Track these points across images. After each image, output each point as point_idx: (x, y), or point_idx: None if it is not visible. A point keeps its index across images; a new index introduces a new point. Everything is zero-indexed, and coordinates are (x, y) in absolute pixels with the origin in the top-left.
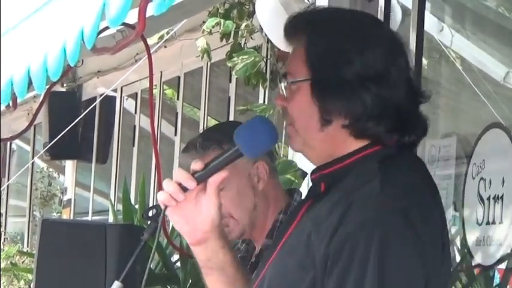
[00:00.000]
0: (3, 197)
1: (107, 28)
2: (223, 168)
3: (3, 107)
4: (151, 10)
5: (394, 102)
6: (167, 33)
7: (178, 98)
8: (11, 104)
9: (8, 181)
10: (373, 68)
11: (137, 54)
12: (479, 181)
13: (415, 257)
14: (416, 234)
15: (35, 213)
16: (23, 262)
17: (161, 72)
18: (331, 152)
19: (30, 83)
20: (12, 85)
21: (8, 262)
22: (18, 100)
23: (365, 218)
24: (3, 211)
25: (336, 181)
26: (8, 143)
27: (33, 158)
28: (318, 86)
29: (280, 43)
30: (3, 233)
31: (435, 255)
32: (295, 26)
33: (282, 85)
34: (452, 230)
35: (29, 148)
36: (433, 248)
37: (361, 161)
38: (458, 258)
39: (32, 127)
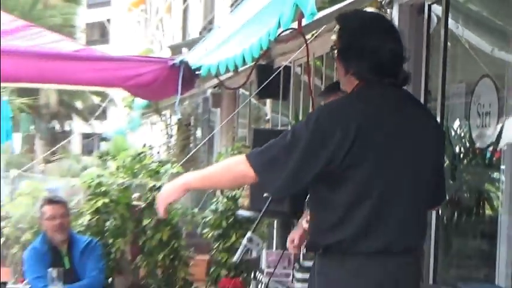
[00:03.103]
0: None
1: (284, 30)
2: None
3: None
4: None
5: (376, 62)
6: (316, 31)
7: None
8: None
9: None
10: (368, 45)
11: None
12: (477, 105)
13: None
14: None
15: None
16: None
17: (313, 53)
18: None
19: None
20: (235, 61)
21: None
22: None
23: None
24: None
25: None
26: (238, 90)
27: (250, 97)
28: (343, 54)
29: None
30: None
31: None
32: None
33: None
34: (465, 130)
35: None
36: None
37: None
38: (467, 145)
39: (248, 83)
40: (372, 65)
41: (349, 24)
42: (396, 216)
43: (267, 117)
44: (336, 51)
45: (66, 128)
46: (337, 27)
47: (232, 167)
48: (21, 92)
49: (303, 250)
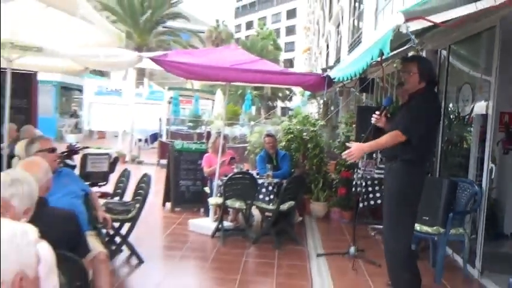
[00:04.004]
0: None
1: (373, 61)
2: None
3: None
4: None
5: (434, 79)
6: (387, 62)
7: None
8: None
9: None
10: (429, 73)
11: (380, 67)
12: (462, 96)
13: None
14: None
15: None
16: None
17: (385, 72)
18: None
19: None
20: (350, 75)
21: None
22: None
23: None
24: None
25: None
26: (350, 89)
27: (355, 91)
28: (421, 75)
29: None
30: None
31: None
32: (409, 59)
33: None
34: (456, 108)
35: (354, 89)
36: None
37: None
38: (456, 114)
39: (355, 85)
40: (434, 81)
41: (425, 62)
42: (431, 148)
43: (364, 101)
44: (400, 69)
45: (274, 104)
46: (398, 60)
47: (396, 138)
48: (255, 88)
49: (380, 158)
